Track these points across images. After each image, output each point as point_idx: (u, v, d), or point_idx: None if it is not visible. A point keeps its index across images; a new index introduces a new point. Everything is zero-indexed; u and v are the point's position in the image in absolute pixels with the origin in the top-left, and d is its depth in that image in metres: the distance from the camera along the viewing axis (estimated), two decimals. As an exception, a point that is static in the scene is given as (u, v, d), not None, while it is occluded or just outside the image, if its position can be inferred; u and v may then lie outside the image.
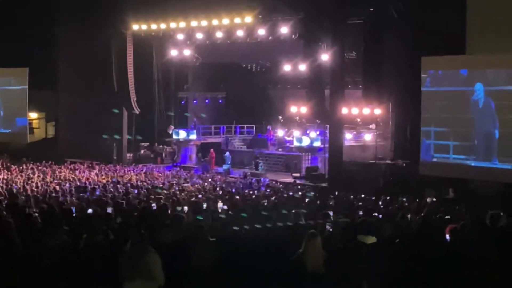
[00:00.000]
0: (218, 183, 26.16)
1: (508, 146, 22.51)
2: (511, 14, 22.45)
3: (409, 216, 13.28)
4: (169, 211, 11.85)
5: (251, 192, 22.34)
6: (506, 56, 22.60)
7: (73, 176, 25.49)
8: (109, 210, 12.06)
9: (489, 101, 23.07)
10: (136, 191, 20.33)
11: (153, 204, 13.21)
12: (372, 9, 27.90)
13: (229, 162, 33.39)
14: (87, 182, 23.52)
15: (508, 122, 22.56)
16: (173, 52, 35.93)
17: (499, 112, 22.78)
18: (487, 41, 22.83)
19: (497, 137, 22.85)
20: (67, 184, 21.90)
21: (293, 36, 30.49)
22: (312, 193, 20.37)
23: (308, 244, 7.36)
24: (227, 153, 34.14)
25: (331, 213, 10.37)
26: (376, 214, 15.24)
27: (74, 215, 11.36)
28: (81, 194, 18.57)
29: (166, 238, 8.30)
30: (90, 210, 12.60)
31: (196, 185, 24.32)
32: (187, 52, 36.02)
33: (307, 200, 19.61)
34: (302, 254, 7.33)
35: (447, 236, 8.42)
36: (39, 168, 27.89)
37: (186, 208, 13.44)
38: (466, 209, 16.74)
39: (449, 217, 14.48)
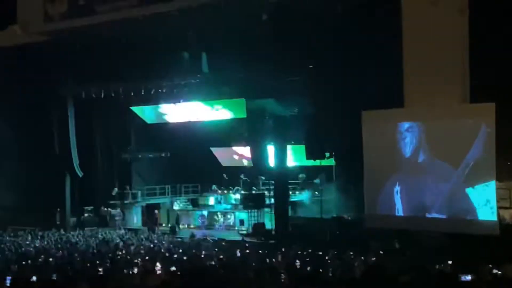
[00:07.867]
0: (164, 243, 25.78)
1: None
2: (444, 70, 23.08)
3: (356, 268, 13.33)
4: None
5: (198, 253, 22.05)
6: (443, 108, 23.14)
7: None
8: (54, 276, 11.70)
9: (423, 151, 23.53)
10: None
11: (100, 269, 12.90)
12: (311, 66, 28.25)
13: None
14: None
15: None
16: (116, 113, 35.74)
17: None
18: (425, 94, 23.28)
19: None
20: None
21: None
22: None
23: None
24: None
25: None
26: (323, 269, 15.20)
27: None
28: (23, 262, 18.02)
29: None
30: (34, 278, 12.20)
31: (141, 246, 23.92)
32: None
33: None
34: None
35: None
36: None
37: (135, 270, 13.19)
38: (411, 261, 16.88)
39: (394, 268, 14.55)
